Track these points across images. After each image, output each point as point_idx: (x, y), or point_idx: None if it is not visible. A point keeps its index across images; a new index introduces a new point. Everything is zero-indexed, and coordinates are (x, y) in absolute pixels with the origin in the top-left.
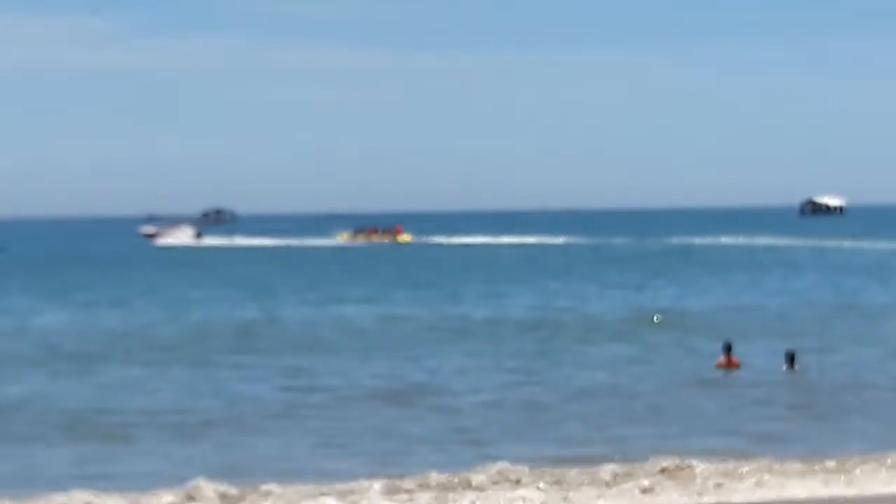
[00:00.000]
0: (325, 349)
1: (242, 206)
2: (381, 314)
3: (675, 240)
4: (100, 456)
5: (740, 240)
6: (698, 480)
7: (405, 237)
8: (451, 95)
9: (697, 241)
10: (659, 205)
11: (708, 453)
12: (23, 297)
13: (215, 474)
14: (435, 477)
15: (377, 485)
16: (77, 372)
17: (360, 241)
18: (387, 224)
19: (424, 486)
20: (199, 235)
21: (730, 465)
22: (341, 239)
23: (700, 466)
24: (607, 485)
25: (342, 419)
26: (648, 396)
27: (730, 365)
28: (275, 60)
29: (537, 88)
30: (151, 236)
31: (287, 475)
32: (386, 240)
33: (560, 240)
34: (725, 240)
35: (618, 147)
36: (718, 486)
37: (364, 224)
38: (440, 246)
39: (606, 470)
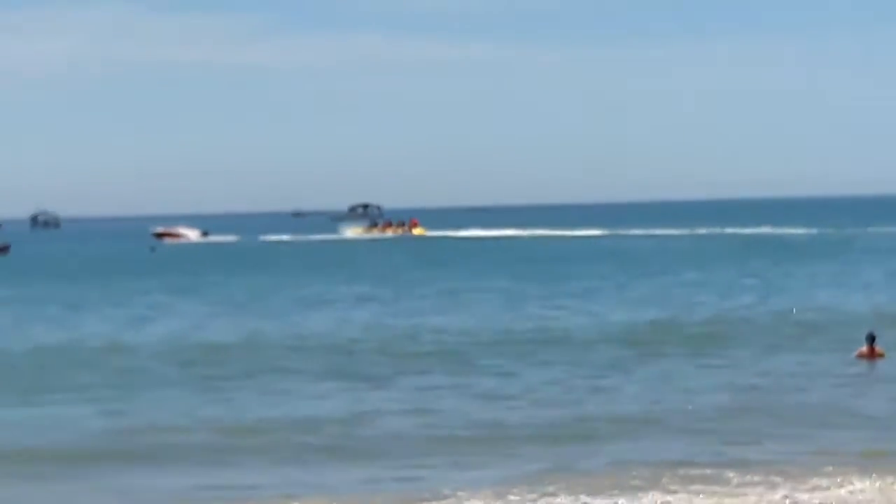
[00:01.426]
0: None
1: (392, 200)
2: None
3: (802, 230)
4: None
5: (855, 230)
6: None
7: (420, 230)
8: (580, 88)
9: (797, 231)
10: (774, 195)
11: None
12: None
13: None
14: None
15: (489, 491)
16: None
17: (374, 234)
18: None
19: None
20: (205, 234)
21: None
22: (353, 233)
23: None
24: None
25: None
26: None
27: (872, 355)
28: (409, 55)
29: (643, 80)
30: (162, 236)
31: None
32: (400, 233)
33: (683, 231)
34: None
35: (722, 137)
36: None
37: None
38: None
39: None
